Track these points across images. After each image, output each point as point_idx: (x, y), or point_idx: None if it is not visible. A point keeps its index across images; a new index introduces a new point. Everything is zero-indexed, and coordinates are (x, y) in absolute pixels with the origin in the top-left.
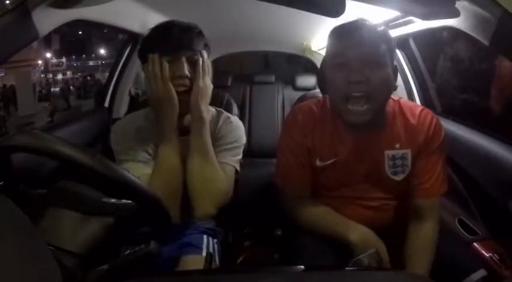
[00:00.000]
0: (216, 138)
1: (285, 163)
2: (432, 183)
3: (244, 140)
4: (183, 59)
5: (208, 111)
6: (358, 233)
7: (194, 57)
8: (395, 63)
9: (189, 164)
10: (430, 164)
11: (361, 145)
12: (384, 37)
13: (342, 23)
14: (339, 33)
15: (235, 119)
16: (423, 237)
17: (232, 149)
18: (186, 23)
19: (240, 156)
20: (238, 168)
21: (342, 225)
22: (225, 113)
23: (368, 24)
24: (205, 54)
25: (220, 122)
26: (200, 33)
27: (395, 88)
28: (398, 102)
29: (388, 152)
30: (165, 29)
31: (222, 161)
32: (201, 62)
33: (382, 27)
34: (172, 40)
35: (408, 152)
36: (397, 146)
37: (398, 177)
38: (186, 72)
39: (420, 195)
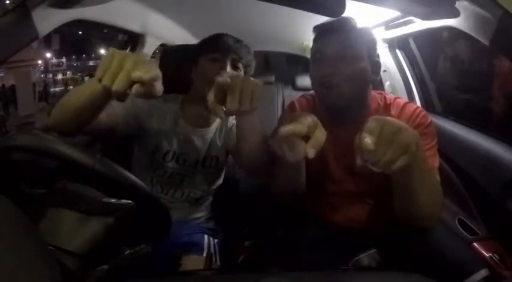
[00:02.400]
0: (232, 137)
1: None
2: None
3: None
4: (228, 61)
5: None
6: None
7: (237, 62)
8: (377, 58)
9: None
10: None
11: (345, 138)
12: (361, 33)
13: None
14: (316, 30)
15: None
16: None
17: None
18: (236, 37)
19: None
20: None
21: None
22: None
23: (347, 21)
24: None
25: (229, 122)
26: (246, 47)
27: (373, 81)
28: (384, 97)
29: None
30: (218, 35)
31: None
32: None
33: (360, 25)
34: (222, 44)
35: None
36: None
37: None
38: (228, 70)
39: None
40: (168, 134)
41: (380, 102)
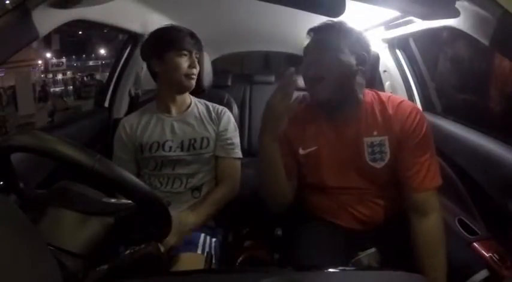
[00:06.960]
0: (219, 133)
1: None
2: (422, 176)
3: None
4: (193, 54)
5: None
6: None
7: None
8: (363, 52)
9: None
10: (415, 157)
11: (340, 134)
12: (339, 30)
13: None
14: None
15: (224, 108)
16: (426, 234)
17: (236, 138)
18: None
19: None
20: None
21: None
22: (213, 104)
23: (332, 24)
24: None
25: (213, 112)
26: (196, 36)
27: (356, 74)
28: (377, 94)
29: (367, 139)
30: (179, 31)
31: (235, 156)
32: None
33: (346, 26)
34: (184, 40)
35: (385, 139)
36: (375, 133)
37: (378, 165)
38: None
39: (413, 190)
40: (150, 131)
41: (373, 98)
